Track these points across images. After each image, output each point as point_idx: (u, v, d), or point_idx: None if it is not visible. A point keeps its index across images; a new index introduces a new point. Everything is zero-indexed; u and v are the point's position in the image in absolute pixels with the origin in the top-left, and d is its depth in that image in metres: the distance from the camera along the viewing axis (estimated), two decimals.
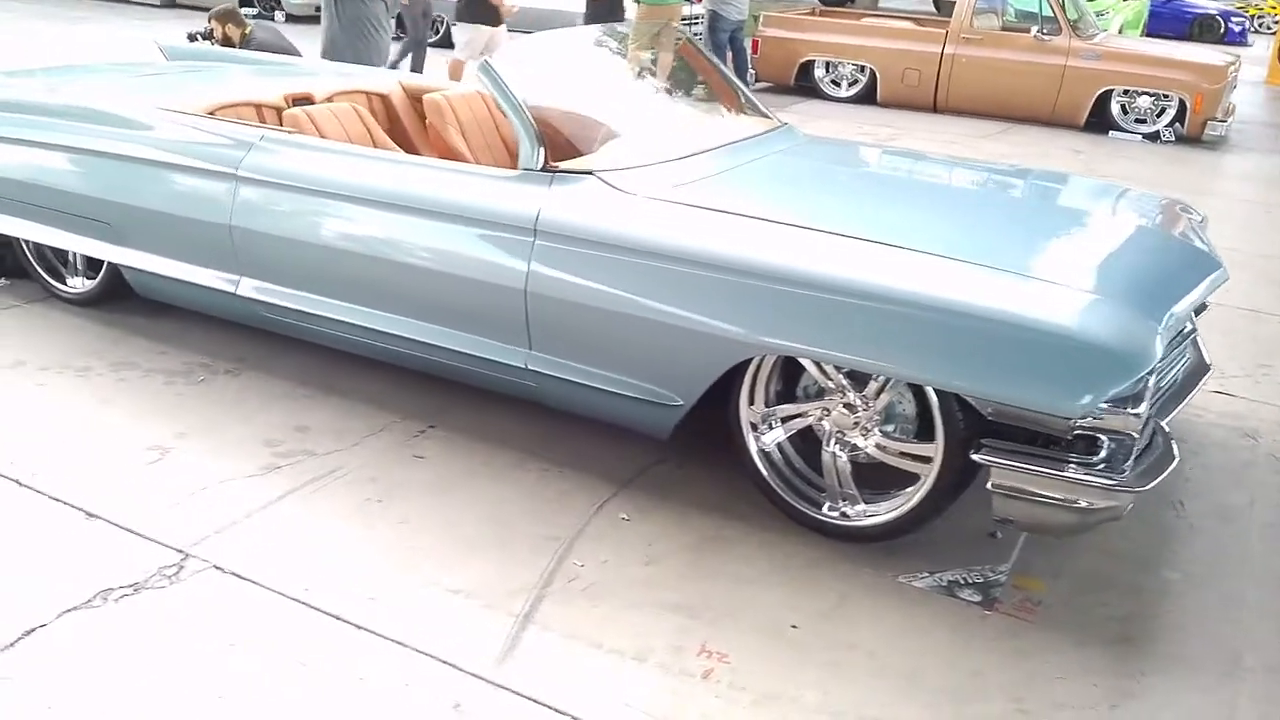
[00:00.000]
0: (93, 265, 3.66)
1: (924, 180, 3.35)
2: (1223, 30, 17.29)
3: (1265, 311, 4.43)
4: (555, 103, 2.98)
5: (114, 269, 3.50)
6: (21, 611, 2.14)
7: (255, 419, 3.01)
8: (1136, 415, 2.18)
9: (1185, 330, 2.70)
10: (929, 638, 2.22)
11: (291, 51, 5.67)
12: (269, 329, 3.29)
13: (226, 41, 5.75)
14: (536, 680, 2.03)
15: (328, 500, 2.61)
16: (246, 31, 5.88)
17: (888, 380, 2.41)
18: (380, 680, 2.01)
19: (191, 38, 5.83)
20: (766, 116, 3.44)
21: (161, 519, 2.49)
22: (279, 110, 3.52)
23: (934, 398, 2.31)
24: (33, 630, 2.08)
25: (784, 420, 2.60)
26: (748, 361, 2.49)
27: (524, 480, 2.76)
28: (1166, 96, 8.47)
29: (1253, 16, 18.84)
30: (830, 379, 2.49)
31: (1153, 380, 2.24)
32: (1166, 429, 2.41)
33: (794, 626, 2.23)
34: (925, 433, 2.44)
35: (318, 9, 5.76)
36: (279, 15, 13.11)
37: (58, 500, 2.56)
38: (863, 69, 9.64)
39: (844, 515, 2.53)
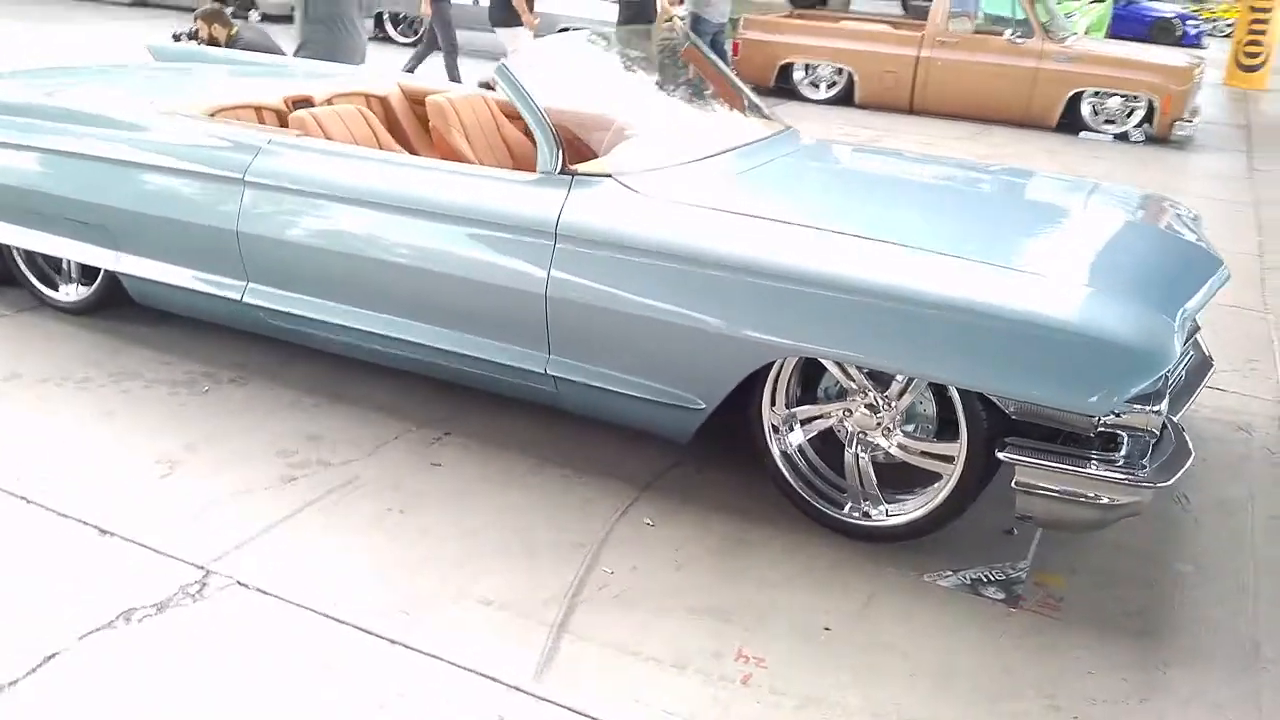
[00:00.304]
0: (87, 272, 3.56)
1: (937, 182, 3.37)
2: (1180, 33, 17.69)
3: (1247, 308, 4.54)
4: (568, 104, 2.96)
5: (110, 276, 3.42)
6: (40, 635, 2.06)
7: (265, 429, 2.96)
8: (1158, 412, 2.23)
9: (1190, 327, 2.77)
10: (958, 636, 2.25)
11: (277, 51, 5.59)
12: (273, 336, 3.24)
13: (213, 41, 5.65)
14: (578, 691, 2.01)
15: (348, 511, 2.57)
16: (233, 32, 5.78)
17: (910, 381, 2.43)
18: (420, 695, 1.98)
19: (176, 38, 5.73)
20: (771, 120, 3.45)
21: (178, 534, 2.43)
22: (279, 112, 3.47)
23: (957, 398, 2.34)
24: (53, 655, 2.01)
25: (805, 422, 2.61)
26: (770, 364, 2.50)
27: (544, 486, 2.74)
28: (1136, 98, 8.66)
29: (1207, 20, 19.30)
30: (853, 380, 2.50)
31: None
32: (1179, 425, 2.47)
33: (826, 629, 2.25)
34: (945, 432, 2.47)
35: (293, 8, 5.69)
36: (254, 15, 12.89)
37: (68, 517, 2.48)
38: (840, 71, 9.75)
39: (866, 515, 2.55)
